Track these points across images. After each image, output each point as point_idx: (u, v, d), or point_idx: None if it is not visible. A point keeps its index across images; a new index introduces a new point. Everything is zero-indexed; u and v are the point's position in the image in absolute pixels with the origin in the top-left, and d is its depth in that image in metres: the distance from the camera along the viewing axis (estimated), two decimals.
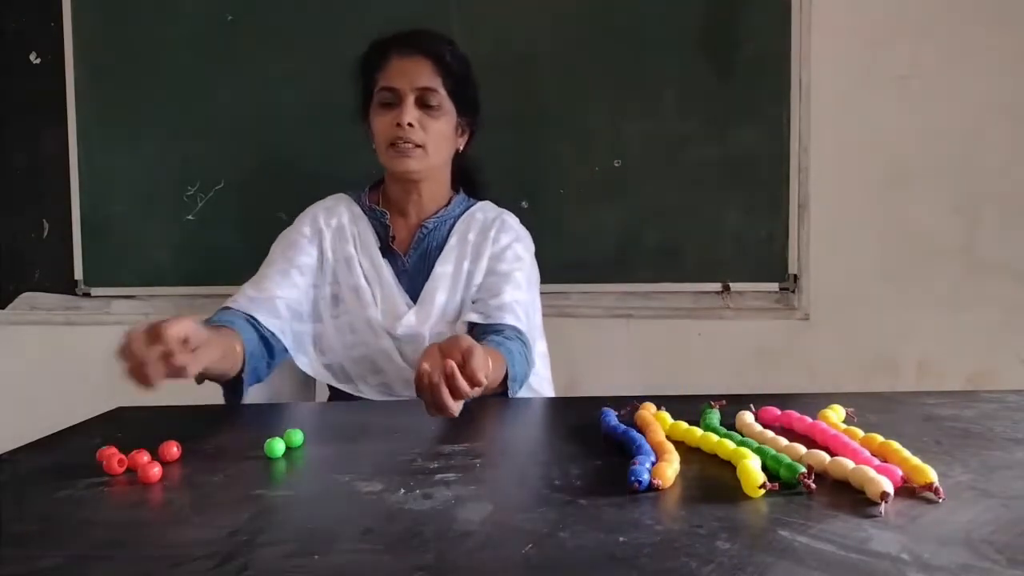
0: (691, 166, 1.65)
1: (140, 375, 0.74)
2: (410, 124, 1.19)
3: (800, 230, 1.64)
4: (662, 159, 1.65)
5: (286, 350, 1.19)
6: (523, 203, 1.62)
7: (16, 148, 1.76)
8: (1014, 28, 1.59)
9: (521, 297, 1.22)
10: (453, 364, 0.77)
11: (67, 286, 1.77)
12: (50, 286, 1.78)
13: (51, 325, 1.77)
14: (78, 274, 1.76)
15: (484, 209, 1.33)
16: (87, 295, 1.77)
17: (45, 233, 1.77)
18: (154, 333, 0.74)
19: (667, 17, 1.63)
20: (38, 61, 1.75)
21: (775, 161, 1.64)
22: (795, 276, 1.65)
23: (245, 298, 1.17)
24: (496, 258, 1.26)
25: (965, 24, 1.60)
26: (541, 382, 1.29)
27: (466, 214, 1.30)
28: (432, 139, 1.21)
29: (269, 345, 1.15)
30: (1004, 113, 1.60)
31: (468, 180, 1.38)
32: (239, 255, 1.71)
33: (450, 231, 1.28)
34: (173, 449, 0.73)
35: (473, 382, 0.78)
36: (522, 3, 1.65)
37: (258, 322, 1.14)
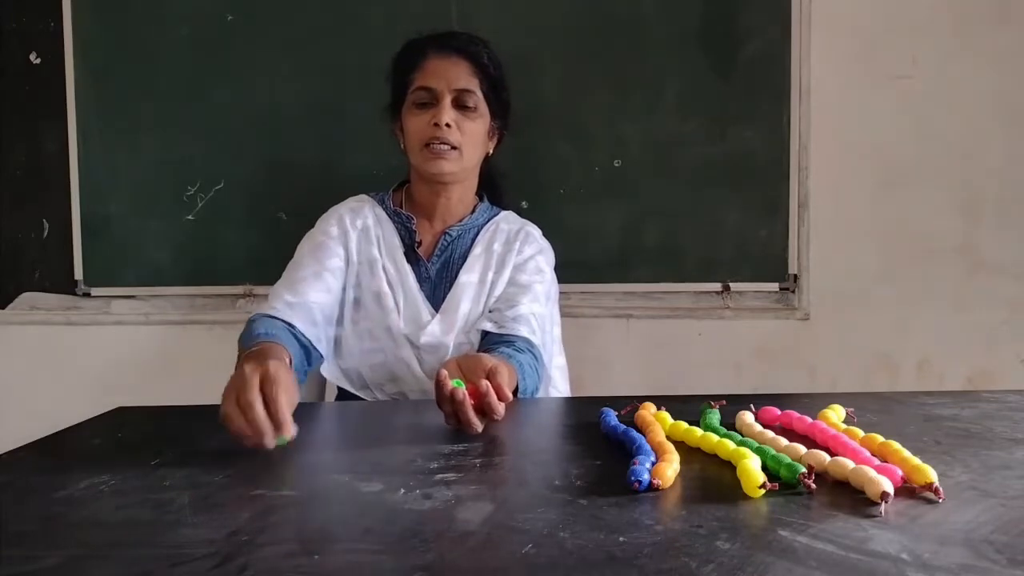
0: (691, 166, 1.65)
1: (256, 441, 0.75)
2: (447, 125, 1.18)
3: (800, 230, 1.64)
4: (662, 159, 1.65)
5: (321, 357, 1.17)
6: (523, 203, 1.62)
7: (16, 148, 1.76)
8: (1014, 28, 1.59)
9: (538, 310, 1.21)
10: (488, 384, 0.79)
11: (67, 286, 1.77)
12: (50, 286, 1.78)
13: (51, 325, 1.77)
14: (78, 274, 1.75)
15: (508, 219, 1.32)
16: (87, 295, 1.76)
17: (45, 233, 1.77)
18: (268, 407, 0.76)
19: (667, 16, 1.63)
20: (38, 61, 1.75)
21: (775, 161, 1.63)
22: (795, 276, 1.65)
23: (283, 303, 1.13)
24: (518, 269, 1.25)
25: (965, 24, 1.60)
26: (559, 395, 1.28)
27: (490, 223, 1.30)
28: (468, 141, 1.21)
29: (307, 353, 1.13)
30: (1004, 113, 1.60)
31: (492, 185, 1.38)
32: (239, 255, 1.72)
33: (474, 240, 1.27)
34: None
35: (501, 399, 0.80)
36: (522, 3, 1.65)
37: (297, 330, 1.11)
